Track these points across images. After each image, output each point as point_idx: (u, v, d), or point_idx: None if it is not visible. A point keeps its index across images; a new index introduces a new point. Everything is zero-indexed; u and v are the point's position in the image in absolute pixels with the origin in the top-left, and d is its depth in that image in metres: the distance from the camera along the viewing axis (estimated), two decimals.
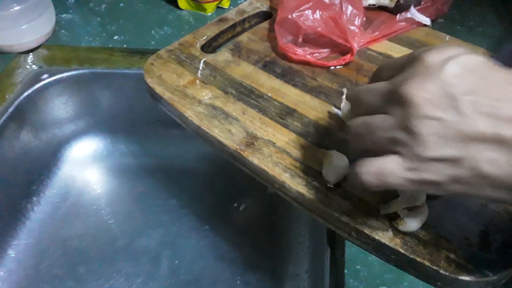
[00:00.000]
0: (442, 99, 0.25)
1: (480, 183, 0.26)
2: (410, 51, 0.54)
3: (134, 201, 0.74)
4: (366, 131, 0.29)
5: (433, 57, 0.27)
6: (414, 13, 0.57)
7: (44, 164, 0.73)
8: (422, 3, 0.59)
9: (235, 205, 0.73)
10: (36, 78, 0.68)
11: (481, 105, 0.25)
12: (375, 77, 0.32)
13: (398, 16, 0.57)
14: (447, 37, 0.56)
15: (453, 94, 0.25)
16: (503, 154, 0.25)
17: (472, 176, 0.25)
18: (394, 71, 0.29)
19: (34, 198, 0.70)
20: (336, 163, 0.38)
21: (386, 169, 0.27)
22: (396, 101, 0.27)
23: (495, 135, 0.24)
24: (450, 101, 0.25)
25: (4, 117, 0.63)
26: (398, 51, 0.54)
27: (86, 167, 0.77)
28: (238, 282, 0.63)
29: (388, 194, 0.36)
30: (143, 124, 0.76)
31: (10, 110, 0.64)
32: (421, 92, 0.26)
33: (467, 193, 0.27)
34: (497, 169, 0.25)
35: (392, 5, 0.59)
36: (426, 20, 0.57)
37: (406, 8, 0.57)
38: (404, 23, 0.57)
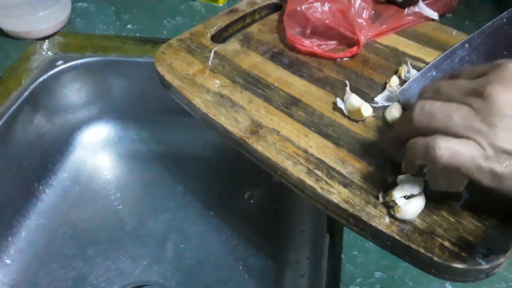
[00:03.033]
0: None
1: None
2: (417, 45, 0.55)
3: (142, 186, 0.75)
4: (443, 113, 0.31)
5: None
6: (422, 8, 0.57)
7: (56, 148, 0.74)
8: None
9: (240, 192, 0.74)
10: (51, 64, 0.70)
11: None
12: (454, 76, 0.35)
13: (406, 10, 0.57)
14: (454, 31, 0.57)
15: None
16: None
17: None
18: (475, 74, 0.32)
19: (46, 181, 0.72)
20: None
21: (466, 151, 0.29)
22: (480, 97, 0.30)
23: None
24: None
25: (19, 101, 0.64)
26: (405, 45, 0.54)
27: (97, 152, 0.79)
28: (241, 267, 0.64)
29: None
30: (153, 112, 0.78)
31: (25, 94, 0.65)
32: (506, 94, 0.29)
33: None
34: None
35: None
36: (434, 15, 0.58)
37: (414, 2, 0.58)
38: (412, 17, 0.57)
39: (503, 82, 0.30)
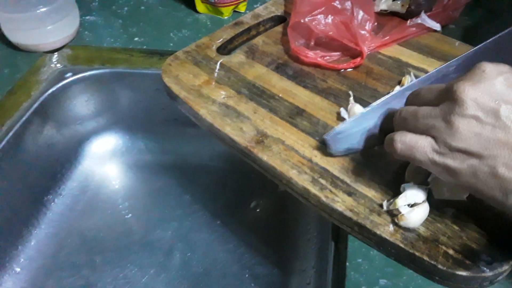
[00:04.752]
0: (487, 103, 0.29)
1: (492, 182, 0.29)
2: (420, 55, 0.55)
3: (150, 195, 0.76)
4: (412, 117, 0.33)
5: (490, 67, 0.30)
6: (424, 19, 0.57)
7: (65, 158, 0.76)
8: (433, 9, 0.60)
9: (246, 202, 0.74)
10: (60, 76, 0.71)
11: None
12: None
13: (409, 21, 0.58)
14: (457, 42, 0.57)
15: (498, 101, 0.29)
16: None
17: (488, 173, 0.29)
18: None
19: (56, 190, 0.73)
20: None
21: (418, 145, 0.32)
22: (447, 95, 0.31)
23: None
24: (493, 106, 0.29)
25: (29, 113, 0.65)
26: (407, 56, 0.55)
27: (105, 162, 0.80)
28: (247, 275, 0.64)
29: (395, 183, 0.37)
30: (160, 123, 0.79)
31: (35, 106, 0.67)
32: (471, 91, 0.29)
33: (478, 188, 0.30)
34: (510, 174, 0.28)
35: (403, 10, 0.60)
36: (437, 26, 0.58)
37: (417, 14, 0.58)
38: (414, 29, 0.57)
39: (471, 80, 0.30)
